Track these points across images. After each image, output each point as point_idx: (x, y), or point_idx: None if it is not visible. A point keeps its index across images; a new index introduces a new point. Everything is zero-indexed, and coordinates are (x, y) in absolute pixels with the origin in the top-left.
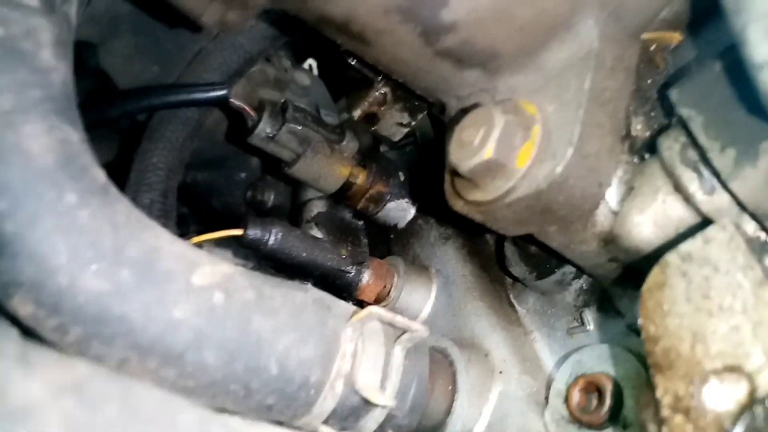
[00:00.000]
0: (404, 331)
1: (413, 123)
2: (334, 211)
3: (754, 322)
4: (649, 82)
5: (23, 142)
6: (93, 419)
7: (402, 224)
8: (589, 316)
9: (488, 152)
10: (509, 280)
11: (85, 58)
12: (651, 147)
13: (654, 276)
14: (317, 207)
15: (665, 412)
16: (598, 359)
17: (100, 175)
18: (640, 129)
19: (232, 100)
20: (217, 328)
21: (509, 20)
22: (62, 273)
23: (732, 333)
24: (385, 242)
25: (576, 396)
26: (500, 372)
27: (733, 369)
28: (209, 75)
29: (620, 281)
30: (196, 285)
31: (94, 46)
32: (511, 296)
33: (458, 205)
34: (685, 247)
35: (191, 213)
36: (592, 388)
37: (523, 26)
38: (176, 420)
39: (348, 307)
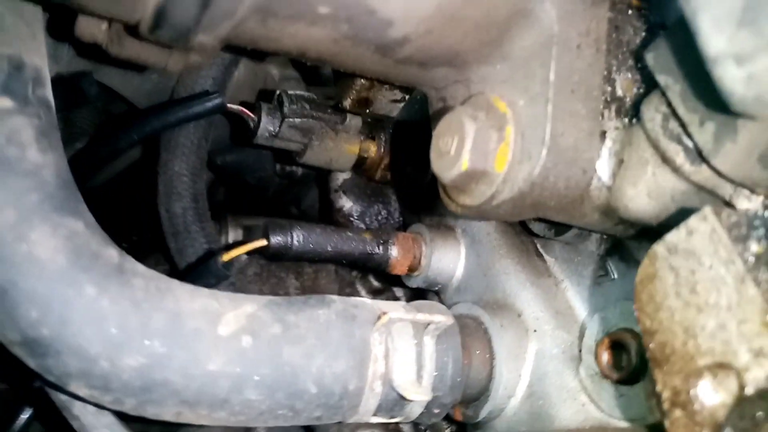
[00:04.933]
0: (429, 322)
1: (407, 96)
2: (359, 177)
3: (738, 319)
4: (631, 31)
5: (34, 251)
6: None
7: (424, 184)
8: (613, 266)
9: (464, 164)
10: None
11: (84, 88)
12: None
13: (644, 267)
14: (343, 175)
15: (665, 405)
16: (621, 316)
17: (113, 255)
18: (626, 87)
19: (229, 105)
20: (252, 368)
21: (460, 22)
22: (102, 359)
23: (719, 330)
24: (416, 198)
25: (605, 355)
26: (534, 331)
27: (723, 366)
28: (205, 71)
29: (635, 235)
30: (224, 335)
31: (90, 73)
32: (539, 246)
33: (452, 207)
34: (671, 237)
35: (228, 191)
36: (619, 345)
37: (476, 24)
38: None
39: (373, 306)
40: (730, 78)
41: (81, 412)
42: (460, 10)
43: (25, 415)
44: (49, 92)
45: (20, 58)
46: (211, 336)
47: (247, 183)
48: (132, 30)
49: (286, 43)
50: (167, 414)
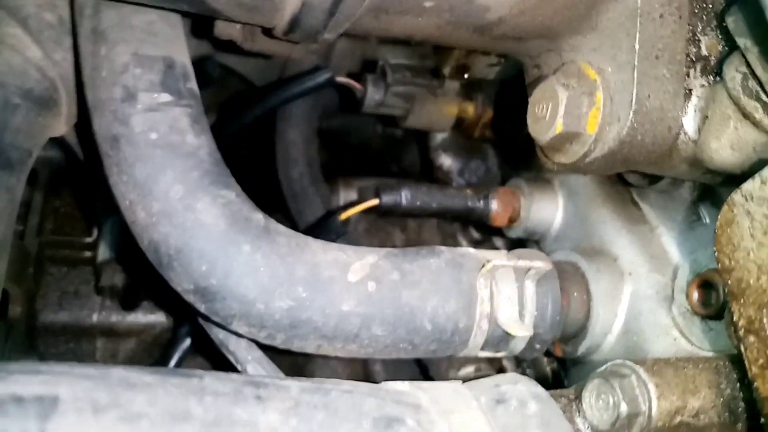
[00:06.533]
0: (530, 268)
1: (502, 60)
2: (457, 135)
3: None
4: None
5: (200, 218)
6: (310, 428)
7: (520, 137)
8: (705, 211)
9: (559, 127)
10: None
11: (209, 71)
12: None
13: (724, 213)
14: (441, 134)
15: (741, 332)
16: (711, 257)
17: (260, 218)
18: (711, 46)
19: (337, 78)
20: (377, 309)
21: (549, 2)
22: (258, 302)
23: None
24: (513, 152)
25: (695, 294)
26: (629, 273)
27: None
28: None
29: (724, 182)
30: (353, 281)
31: (212, 57)
32: (634, 195)
33: (548, 165)
34: (747, 186)
35: (331, 153)
36: (709, 284)
37: (564, 3)
38: (362, 409)
39: (478, 255)
40: None
41: (236, 347)
42: None
43: (183, 346)
44: (195, 84)
45: (171, 58)
46: (343, 282)
47: (350, 144)
48: (266, 31)
49: (395, 31)
50: (310, 347)
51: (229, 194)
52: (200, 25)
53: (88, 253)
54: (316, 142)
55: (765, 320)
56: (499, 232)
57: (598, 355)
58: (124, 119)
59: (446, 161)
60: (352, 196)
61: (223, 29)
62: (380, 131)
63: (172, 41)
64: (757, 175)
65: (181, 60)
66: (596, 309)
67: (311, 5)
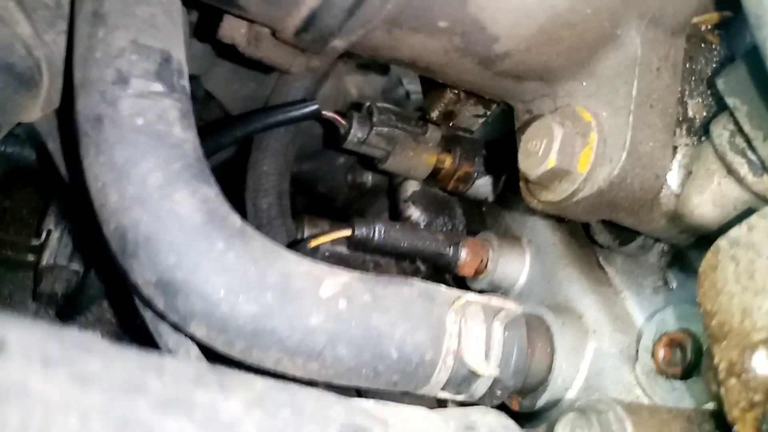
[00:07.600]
0: (501, 309)
1: (488, 113)
2: (428, 188)
3: None
4: (703, 62)
5: (176, 208)
6: (274, 423)
7: (491, 198)
8: (672, 276)
9: (551, 162)
10: None
11: (193, 90)
12: (708, 125)
13: (708, 259)
14: (412, 186)
15: (722, 375)
16: (679, 318)
17: (237, 220)
18: (696, 110)
19: (323, 112)
20: (345, 328)
21: (556, 42)
22: (223, 304)
23: None
24: (480, 213)
25: (661, 352)
26: (594, 331)
27: None
28: (298, 83)
29: (696, 245)
30: (324, 297)
31: (198, 77)
32: (600, 258)
33: (533, 203)
34: (733, 233)
35: (300, 199)
36: (676, 344)
37: (569, 45)
38: (329, 413)
39: (449, 292)
40: None
41: (185, 357)
42: (557, 32)
43: None
44: (188, 83)
45: (169, 53)
46: (314, 296)
47: (317, 191)
48: (275, 33)
49: (403, 52)
50: (269, 360)
51: (208, 191)
52: (204, 27)
53: (31, 257)
54: (289, 177)
55: (747, 363)
56: (461, 285)
57: (556, 410)
58: (111, 101)
59: (415, 213)
60: None
61: (227, 31)
62: (350, 180)
63: (171, 37)
64: (744, 222)
65: (178, 57)
66: (559, 362)
67: (333, 1)
